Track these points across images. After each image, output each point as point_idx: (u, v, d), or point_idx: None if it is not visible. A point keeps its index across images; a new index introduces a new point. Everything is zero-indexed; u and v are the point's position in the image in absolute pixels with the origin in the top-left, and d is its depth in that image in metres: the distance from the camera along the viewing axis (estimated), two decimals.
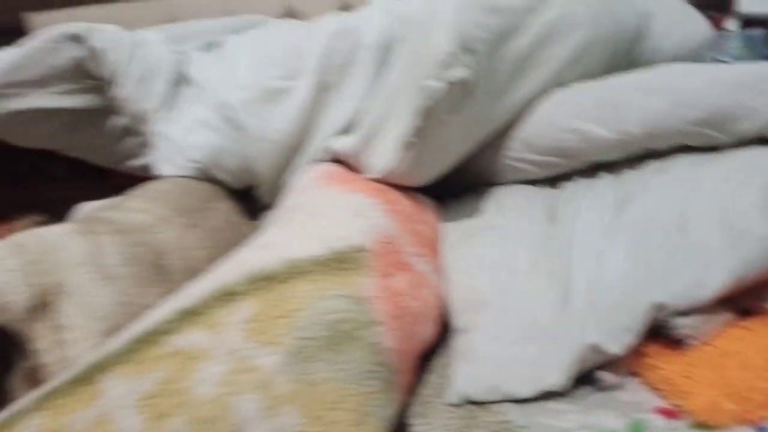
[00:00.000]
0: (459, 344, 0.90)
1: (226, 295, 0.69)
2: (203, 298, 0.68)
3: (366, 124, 1.04)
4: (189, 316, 0.66)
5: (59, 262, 0.80)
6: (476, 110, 0.95)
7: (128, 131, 1.26)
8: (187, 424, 0.57)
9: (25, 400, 0.61)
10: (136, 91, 1.14)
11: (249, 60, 1.13)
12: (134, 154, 1.31)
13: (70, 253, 0.81)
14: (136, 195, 1.04)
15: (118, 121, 1.24)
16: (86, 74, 1.15)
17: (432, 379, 0.90)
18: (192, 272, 0.92)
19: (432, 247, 1.01)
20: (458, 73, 0.85)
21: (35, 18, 2.60)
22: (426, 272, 0.95)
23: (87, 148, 1.29)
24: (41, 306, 0.76)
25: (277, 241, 0.80)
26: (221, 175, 1.12)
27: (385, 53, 1.11)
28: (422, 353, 0.89)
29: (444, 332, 0.94)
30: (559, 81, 1.08)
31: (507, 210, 1.07)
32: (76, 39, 1.11)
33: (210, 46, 1.25)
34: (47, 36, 1.11)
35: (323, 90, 1.10)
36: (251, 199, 1.22)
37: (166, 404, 0.58)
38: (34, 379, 0.75)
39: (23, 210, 1.35)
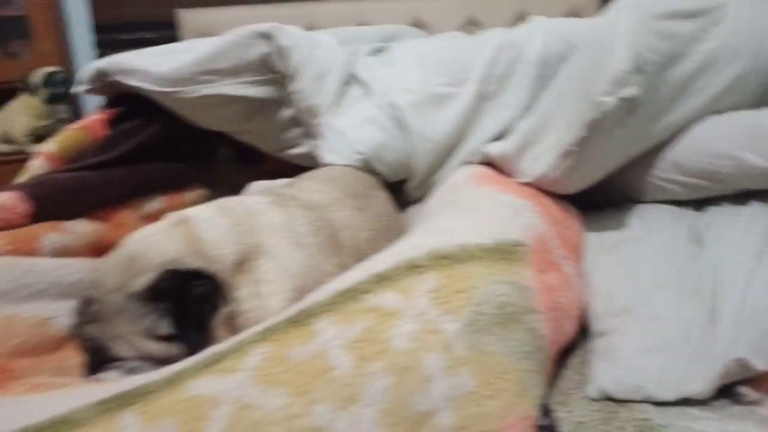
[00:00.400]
0: (599, 345, 0.96)
1: (412, 267, 0.78)
2: (392, 267, 0.78)
3: (522, 132, 1.11)
4: (381, 279, 0.76)
5: (259, 226, 0.92)
6: (635, 128, 1.01)
7: (295, 122, 1.40)
8: (386, 368, 0.67)
9: (247, 333, 0.72)
10: (311, 87, 1.27)
11: (418, 66, 1.24)
12: (295, 144, 1.45)
13: (268, 219, 0.93)
14: (309, 178, 1.16)
15: (288, 113, 1.38)
16: (269, 68, 1.29)
17: (569, 374, 0.97)
18: (358, 250, 1.03)
19: (576, 252, 1.07)
20: (630, 91, 0.91)
21: (186, 14, 2.87)
22: (571, 275, 1.01)
23: (256, 135, 1.44)
24: (244, 261, 0.89)
25: (448, 227, 0.89)
26: (380, 168, 1.23)
27: (543, 68, 1.19)
28: (562, 349, 0.95)
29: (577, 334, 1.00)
30: (714, 108, 1.12)
31: (651, 226, 1.11)
32: (265, 36, 1.25)
33: (375, 51, 1.37)
34: (241, 32, 1.27)
35: (483, 98, 1.19)
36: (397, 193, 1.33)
37: (370, 349, 0.68)
38: (231, 323, 0.87)
39: (194, 184, 1.52)
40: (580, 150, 0.98)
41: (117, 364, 0.84)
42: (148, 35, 3.23)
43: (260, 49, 1.26)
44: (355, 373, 0.66)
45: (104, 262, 0.88)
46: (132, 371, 0.83)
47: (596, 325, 0.99)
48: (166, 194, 1.43)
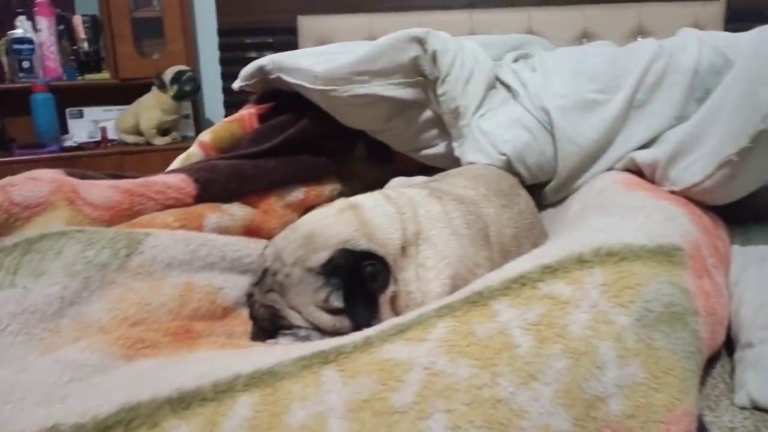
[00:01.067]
0: (747, 356, 0.95)
1: (580, 261, 0.81)
2: (560, 260, 0.82)
3: (674, 141, 1.12)
4: (550, 270, 0.80)
5: (420, 215, 0.98)
6: None
7: (433, 124, 1.46)
8: (563, 351, 0.70)
9: (426, 309, 0.78)
10: (457, 89, 1.33)
11: (570, 73, 1.27)
12: (430, 145, 1.51)
13: (428, 210, 0.99)
14: (455, 174, 1.22)
15: (427, 115, 1.45)
16: (419, 71, 1.36)
17: (714, 382, 0.97)
18: (502, 246, 1.07)
19: (725, 262, 1.07)
20: None
21: (305, 20, 3.01)
22: (720, 284, 1.01)
23: (394, 134, 1.51)
24: (407, 246, 0.95)
25: (607, 227, 0.91)
26: (521, 170, 1.27)
27: (695, 78, 1.19)
28: (710, 356, 0.96)
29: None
30: None
31: None
32: (419, 40, 1.32)
33: (518, 58, 1.41)
34: (396, 35, 1.34)
35: (633, 106, 1.21)
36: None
37: (548, 333, 0.72)
38: (394, 302, 0.93)
39: (331, 178, 1.61)
40: (739, 161, 0.99)
41: (289, 332, 0.92)
42: (269, 39, 3.43)
43: (413, 52, 1.33)
44: (535, 353, 0.70)
45: (282, 239, 0.96)
46: (304, 339, 0.90)
47: (744, 335, 0.98)
48: (306, 185, 1.52)
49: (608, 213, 1.01)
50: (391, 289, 0.91)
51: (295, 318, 0.90)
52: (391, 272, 0.91)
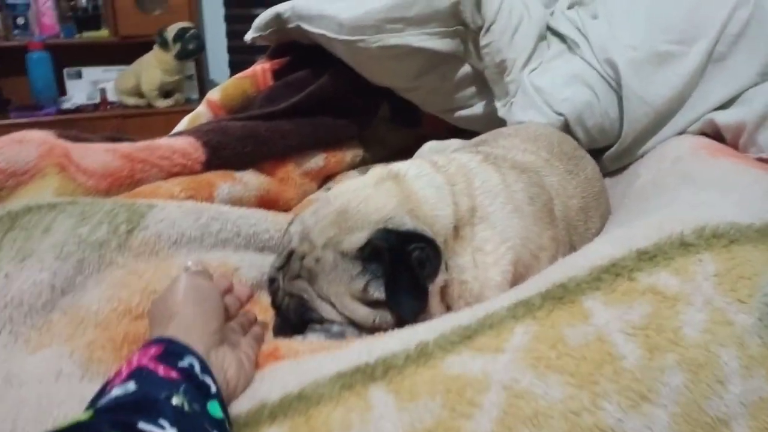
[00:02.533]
0: None
1: (682, 246, 0.66)
2: (656, 243, 0.66)
3: (764, 101, 0.95)
4: (646, 256, 0.65)
5: (475, 187, 0.82)
6: None
7: (471, 80, 1.29)
8: (679, 363, 0.55)
9: (495, 306, 0.62)
10: (504, 40, 1.16)
11: (643, 21, 1.09)
12: (466, 105, 1.34)
13: (484, 180, 0.83)
14: (508, 135, 1.04)
15: (465, 70, 1.27)
16: (459, 19, 1.18)
17: None
18: (568, 221, 0.91)
19: None
20: None
21: None
22: None
23: (426, 93, 1.34)
24: (461, 225, 0.79)
25: (705, 201, 0.75)
26: (578, 132, 1.10)
27: None
28: None
29: None
30: None
31: None
32: None
33: (574, 4, 1.23)
34: None
35: (713, 60, 1.03)
36: None
37: (659, 339, 0.56)
38: (445, 293, 0.78)
39: (352, 142, 1.45)
40: None
41: (320, 326, 0.77)
42: None
43: None
44: (645, 366, 0.55)
45: (311, 215, 0.81)
46: (337, 336, 0.75)
47: None
48: (326, 151, 1.37)
49: (695, 185, 0.85)
50: (442, 277, 0.75)
51: (327, 311, 0.75)
52: (443, 257, 0.75)
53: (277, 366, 0.64)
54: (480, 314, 0.62)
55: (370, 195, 0.79)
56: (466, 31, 1.20)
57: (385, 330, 0.70)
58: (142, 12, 3.19)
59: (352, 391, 0.55)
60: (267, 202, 1.20)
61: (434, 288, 0.75)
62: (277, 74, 1.43)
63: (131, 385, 0.47)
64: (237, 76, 1.46)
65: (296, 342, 0.74)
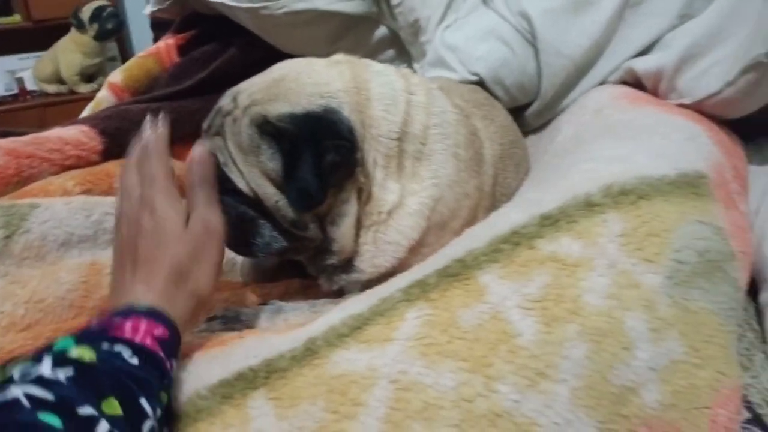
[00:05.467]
0: None
1: (587, 206, 0.62)
2: (560, 206, 0.62)
3: (683, 44, 0.92)
4: (548, 221, 0.60)
5: (433, 112, 0.74)
6: None
7: (389, 43, 1.22)
8: (580, 333, 0.52)
9: (392, 289, 0.58)
10: None
11: None
12: None
13: (442, 110, 0.76)
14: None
15: (382, 32, 1.20)
16: None
17: (739, 331, 0.81)
18: (494, 170, 0.86)
19: (745, 186, 0.89)
20: None
21: None
22: (745, 213, 0.84)
23: None
24: (405, 142, 0.72)
25: (617, 155, 0.71)
26: (497, 91, 1.05)
27: None
28: None
29: None
30: None
31: None
32: None
33: None
34: None
35: (629, 4, 0.98)
36: None
37: (558, 310, 0.52)
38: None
39: None
40: None
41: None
42: None
43: None
44: (543, 341, 0.51)
45: (247, 81, 0.73)
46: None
47: None
48: None
49: (616, 135, 0.81)
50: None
51: (238, 179, 0.68)
52: (365, 176, 0.68)
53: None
54: (373, 300, 0.57)
55: (317, 71, 0.71)
56: None
57: (283, 221, 0.67)
58: None
59: (231, 404, 0.50)
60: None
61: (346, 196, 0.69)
62: (183, 50, 1.34)
63: (135, 360, 0.45)
64: (139, 54, 1.36)
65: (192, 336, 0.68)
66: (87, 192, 0.97)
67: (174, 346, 0.50)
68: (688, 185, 0.68)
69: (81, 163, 1.03)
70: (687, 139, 0.78)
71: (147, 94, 1.26)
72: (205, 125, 0.74)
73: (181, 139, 1.16)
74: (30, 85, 3.00)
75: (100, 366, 0.42)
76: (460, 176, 0.75)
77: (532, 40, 1.01)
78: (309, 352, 0.52)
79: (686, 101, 0.90)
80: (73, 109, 2.87)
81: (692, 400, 0.55)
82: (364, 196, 0.71)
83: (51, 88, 2.98)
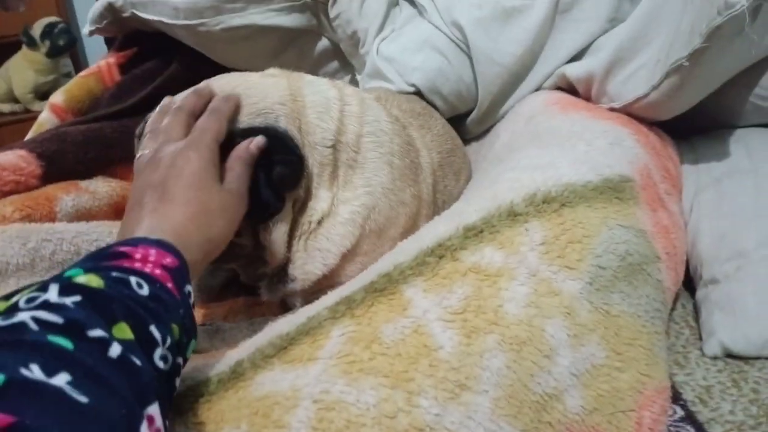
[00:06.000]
0: (713, 295, 0.81)
1: (510, 216, 0.63)
2: (484, 216, 0.63)
3: (611, 48, 0.94)
4: (472, 232, 0.62)
5: (366, 120, 0.76)
6: (747, 42, 0.83)
7: (332, 54, 1.23)
8: (500, 343, 0.53)
9: (319, 307, 0.58)
10: (353, 10, 1.09)
11: None
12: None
13: (376, 118, 0.78)
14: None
15: (324, 44, 1.21)
16: None
17: (676, 328, 0.83)
18: (431, 176, 0.87)
19: (677, 186, 0.92)
20: None
21: None
22: (676, 213, 0.86)
23: None
24: (339, 150, 0.73)
25: (540, 163, 0.73)
26: (436, 101, 1.06)
27: None
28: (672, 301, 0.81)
29: None
30: None
31: (758, 154, 0.95)
32: None
33: None
34: None
35: (559, 11, 1.01)
36: None
37: (478, 321, 0.54)
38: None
39: None
40: (690, 65, 0.81)
41: None
42: None
43: None
44: (463, 353, 0.52)
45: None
46: None
47: (706, 271, 0.84)
48: None
49: (542, 143, 0.83)
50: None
51: None
52: (303, 177, 0.70)
53: None
54: (301, 319, 0.57)
55: (256, 83, 0.72)
56: (315, 3, 1.13)
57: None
58: (4, 11, 2.94)
59: None
60: (122, 211, 1.11)
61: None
62: (124, 68, 1.33)
63: (144, 290, 0.44)
64: (81, 74, 1.35)
65: None
66: (27, 217, 0.96)
67: (184, 276, 0.49)
68: (612, 190, 0.70)
69: (19, 188, 1.01)
70: (612, 144, 0.80)
71: (88, 114, 1.24)
72: (138, 131, 0.74)
73: (124, 159, 1.16)
74: None
75: (108, 292, 0.41)
76: (395, 184, 0.76)
77: (466, 49, 1.03)
78: (235, 375, 0.52)
79: (616, 105, 0.93)
80: (28, 128, 2.82)
81: (615, 403, 0.56)
82: (298, 205, 0.72)
83: (5, 107, 2.92)
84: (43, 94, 2.95)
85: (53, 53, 2.84)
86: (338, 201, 0.72)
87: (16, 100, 2.92)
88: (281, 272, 0.73)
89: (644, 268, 0.65)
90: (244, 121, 0.68)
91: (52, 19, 2.86)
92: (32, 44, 2.80)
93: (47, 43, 2.81)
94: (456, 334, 0.53)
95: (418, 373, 0.50)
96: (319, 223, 0.71)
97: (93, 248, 0.92)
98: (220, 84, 0.74)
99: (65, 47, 2.86)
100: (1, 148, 1.09)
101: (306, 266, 0.72)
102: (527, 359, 0.53)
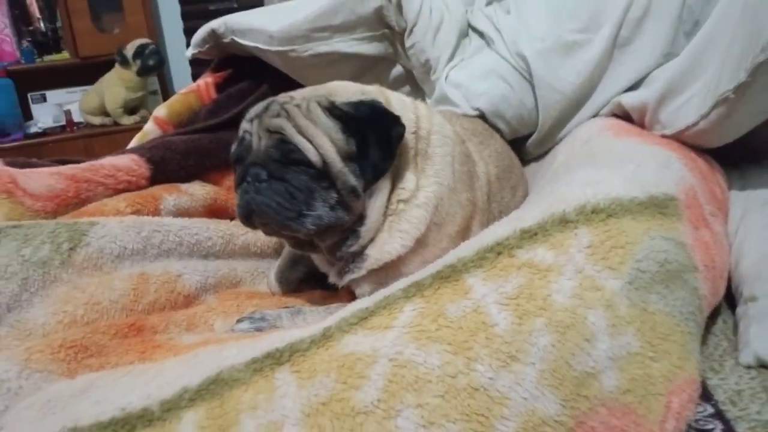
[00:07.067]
0: (752, 311, 0.87)
1: (562, 222, 0.73)
2: (539, 222, 0.73)
3: (664, 80, 1.02)
4: (528, 234, 0.72)
5: (434, 123, 0.93)
6: None
7: (404, 80, 1.35)
8: (547, 326, 0.62)
9: (393, 289, 0.69)
10: (427, 40, 1.22)
11: (547, 13, 1.16)
12: None
13: (441, 125, 0.94)
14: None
15: (398, 70, 1.34)
16: (384, 23, 1.24)
17: (716, 340, 0.89)
18: (489, 186, 0.99)
19: (723, 209, 0.99)
20: None
21: None
22: (720, 233, 0.93)
23: None
24: (418, 142, 0.89)
25: (594, 180, 0.82)
26: (499, 124, 1.17)
27: (682, 9, 1.09)
28: (710, 311, 0.88)
29: None
30: None
31: None
32: None
33: (491, 1, 1.29)
34: None
35: (617, 45, 1.10)
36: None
37: (529, 306, 0.63)
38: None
39: None
40: (736, 97, 0.89)
41: (248, 320, 0.84)
42: (234, 5, 3.27)
43: (375, 2, 1.21)
44: (515, 330, 0.62)
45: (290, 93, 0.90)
46: (264, 326, 0.82)
47: (746, 289, 0.90)
48: None
49: (596, 163, 0.92)
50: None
51: (305, 146, 0.81)
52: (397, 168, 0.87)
53: (200, 352, 0.70)
54: (379, 297, 0.68)
55: (352, 84, 0.92)
56: (393, 34, 1.26)
57: (343, 188, 0.81)
58: (101, 32, 3.23)
59: (261, 375, 0.62)
60: (215, 211, 1.26)
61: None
62: (220, 87, 1.49)
63: None
64: (181, 91, 1.51)
65: (225, 335, 0.81)
66: (136, 212, 1.11)
67: None
68: (656, 206, 0.78)
69: (131, 187, 1.17)
70: (660, 166, 0.88)
71: (188, 127, 1.40)
72: (251, 113, 0.89)
73: (217, 166, 1.31)
74: (76, 117, 3.21)
75: None
76: (456, 185, 0.88)
77: (528, 77, 1.14)
78: (324, 337, 0.64)
79: (667, 132, 1.01)
80: (116, 140, 3.08)
81: (647, 387, 0.64)
82: (393, 177, 0.85)
83: (96, 120, 3.18)
84: (131, 109, 3.20)
85: (143, 72, 3.09)
86: (419, 185, 0.85)
87: (106, 114, 3.18)
88: (360, 252, 0.85)
89: (682, 275, 0.73)
90: (353, 97, 0.85)
91: (144, 40, 3.11)
92: (125, 63, 3.05)
93: (138, 62, 3.05)
94: (510, 315, 0.63)
95: (477, 344, 0.60)
96: (406, 203, 0.84)
97: (193, 241, 1.07)
98: (325, 86, 0.90)
99: (155, 67, 3.10)
100: (116, 152, 1.26)
101: (386, 245, 0.84)
102: (570, 341, 0.62)
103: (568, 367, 0.61)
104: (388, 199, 0.85)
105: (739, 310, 0.91)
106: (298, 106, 0.83)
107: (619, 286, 0.67)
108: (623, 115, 1.13)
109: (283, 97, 0.87)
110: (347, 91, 0.87)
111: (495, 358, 0.60)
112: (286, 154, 0.81)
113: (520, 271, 0.67)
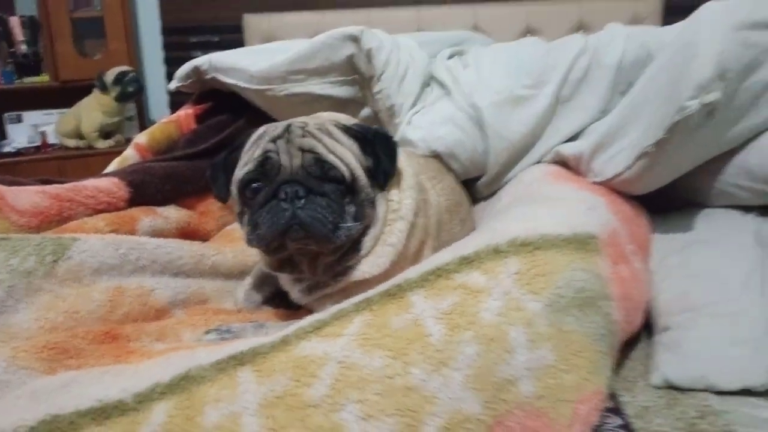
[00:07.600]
0: (664, 339, 0.99)
1: (496, 252, 0.84)
2: (476, 251, 0.84)
3: (598, 134, 1.16)
4: (467, 261, 0.83)
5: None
6: (711, 133, 1.03)
7: (373, 121, 1.48)
8: (474, 338, 0.73)
9: (346, 304, 0.80)
10: (392, 88, 1.35)
11: (502, 69, 1.30)
12: None
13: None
14: None
15: (366, 112, 1.46)
16: (355, 70, 1.37)
17: (632, 365, 1.01)
18: (438, 215, 1.11)
19: (645, 248, 1.12)
20: (712, 96, 0.94)
21: (251, 19, 2.98)
22: (640, 269, 1.06)
23: None
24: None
25: (528, 218, 0.95)
26: (453, 165, 1.30)
27: (619, 73, 1.24)
28: (628, 339, 1.00)
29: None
30: None
31: (719, 230, 1.14)
32: (354, 39, 1.33)
33: (453, 54, 1.44)
34: (331, 33, 1.35)
35: (560, 101, 1.24)
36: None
37: (460, 321, 0.74)
38: None
39: None
40: (657, 151, 1.02)
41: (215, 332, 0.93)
42: (215, 38, 3.39)
43: (348, 50, 1.34)
44: (446, 340, 0.72)
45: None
46: (229, 337, 0.92)
47: (662, 320, 1.02)
48: None
49: (535, 204, 1.05)
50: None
51: (338, 164, 0.92)
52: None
53: (172, 356, 0.79)
54: (334, 310, 0.79)
55: (338, 114, 1.06)
56: (362, 79, 1.39)
57: (366, 200, 0.95)
58: (82, 57, 3.31)
59: (225, 373, 0.71)
60: (188, 233, 1.35)
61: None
62: (199, 118, 1.59)
63: None
64: (162, 120, 1.61)
65: (195, 342, 0.90)
66: (114, 231, 1.20)
67: None
68: (579, 242, 0.91)
69: (110, 208, 1.26)
70: (589, 209, 1.01)
71: (166, 154, 1.50)
72: (269, 135, 0.97)
73: (192, 192, 1.41)
74: (51, 139, 3.25)
75: None
76: (415, 209, 1.01)
77: (480, 126, 1.27)
78: (283, 342, 0.74)
79: (598, 179, 1.14)
80: (89, 163, 3.14)
81: (559, 394, 0.75)
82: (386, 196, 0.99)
83: (71, 143, 3.23)
84: (106, 133, 3.27)
85: (121, 98, 3.17)
86: (401, 197, 1.00)
87: (81, 137, 3.24)
88: (351, 267, 0.97)
89: (596, 302, 0.84)
90: (350, 122, 1.01)
91: (124, 68, 3.19)
92: (104, 88, 3.13)
93: (117, 88, 3.13)
94: (443, 327, 0.73)
95: (413, 351, 0.71)
96: (395, 212, 0.98)
97: (166, 259, 1.15)
98: (323, 114, 1.06)
99: (133, 93, 3.19)
100: (98, 175, 1.35)
101: (379, 260, 0.96)
102: (493, 352, 0.73)
103: (490, 373, 0.72)
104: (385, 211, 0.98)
105: (655, 338, 1.03)
106: (318, 128, 0.95)
107: (540, 307, 0.79)
108: (562, 163, 1.26)
109: (298, 122, 0.98)
110: (341, 117, 1.03)
111: (428, 363, 0.70)
112: (325, 172, 0.92)
113: (455, 291, 0.78)
